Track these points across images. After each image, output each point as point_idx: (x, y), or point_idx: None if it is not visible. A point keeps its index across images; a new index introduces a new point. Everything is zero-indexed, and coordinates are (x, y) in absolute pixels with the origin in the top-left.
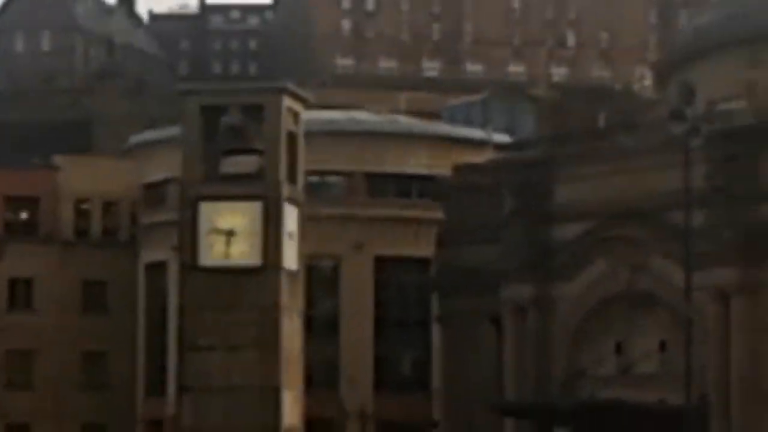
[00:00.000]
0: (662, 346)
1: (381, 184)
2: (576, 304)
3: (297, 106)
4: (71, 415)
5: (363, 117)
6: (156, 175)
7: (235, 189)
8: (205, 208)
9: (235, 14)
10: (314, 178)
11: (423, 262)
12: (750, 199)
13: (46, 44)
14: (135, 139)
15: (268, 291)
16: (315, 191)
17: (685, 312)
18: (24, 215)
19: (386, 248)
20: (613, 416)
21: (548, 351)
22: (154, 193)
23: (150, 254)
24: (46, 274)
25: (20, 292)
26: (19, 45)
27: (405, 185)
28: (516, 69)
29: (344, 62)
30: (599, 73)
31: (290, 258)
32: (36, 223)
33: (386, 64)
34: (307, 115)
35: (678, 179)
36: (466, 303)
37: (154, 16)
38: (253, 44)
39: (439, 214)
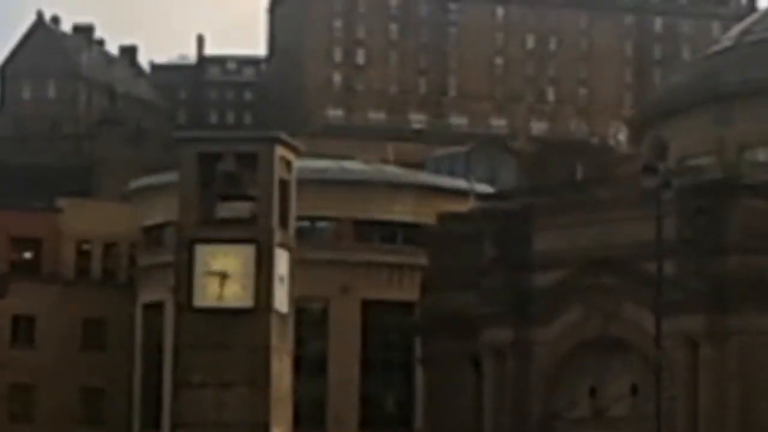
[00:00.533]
0: (634, 389)
1: (368, 231)
2: (552, 349)
3: (289, 155)
4: None
5: (352, 166)
6: (154, 219)
7: (229, 233)
8: (201, 251)
9: (232, 66)
10: (304, 224)
11: (407, 306)
12: (717, 250)
13: (51, 92)
14: (135, 183)
15: (259, 332)
16: (305, 236)
17: (655, 358)
18: (27, 255)
19: (372, 292)
20: None
21: (525, 393)
22: (152, 235)
23: (147, 295)
24: (48, 311)
25: (23, 328)
26: (26, 92)
27: (390, 232)
28: (498, 122)
29: (335, 113)
30: (577, 127)
31: (281, 300)
32: (39, 262)
33: (375, 116)
34: (298, 163)
35: (650, 230)
36: (447, 346)
37: (154, 67)
38: (248, 95)
39: (423, 260)
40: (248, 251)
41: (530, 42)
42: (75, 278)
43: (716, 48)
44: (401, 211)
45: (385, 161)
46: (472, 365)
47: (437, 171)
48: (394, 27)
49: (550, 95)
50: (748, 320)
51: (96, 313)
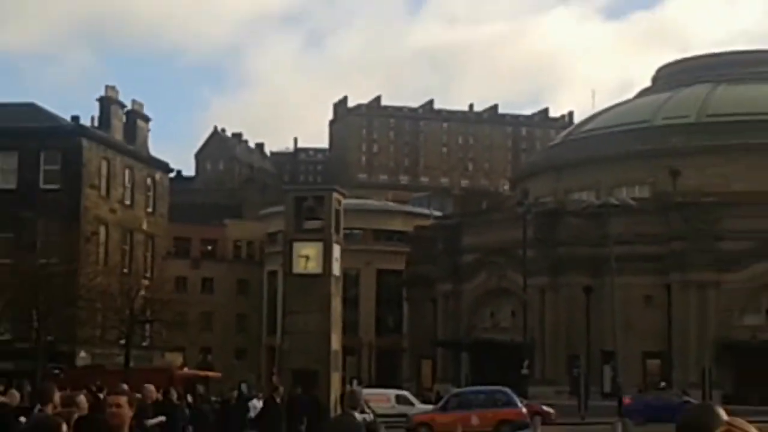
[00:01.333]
0: (513, 313)
1: (380, 234)
2: (472, 293)
3: (340, 197)
4: (229, 345)
5: (371, 202)
6: (273, 229)
7: (310, 236)
8: (296, 246)
9: (311, 153)
10: (348, 231)
11: (399, 272)
12: (553, 244)
13: (221, 166)
14: (262, 212)
15: (325, 286)
16: (348, 238)
17: (523, 297)
18: (209, 247)
19: (382, 265)
20: (489, 347)
21: (458, 316)
22: (272, 237)
23: (269, 266)
24: (221, 276)
25: (207, 284)
26: (209, 167)
27: (391, 235)
28: (444, 180)
29: (363, 176)
30: (483, 183)
31: (336, 269)
32: (215, 251)
33: (382, 178)
34: (344, 201)
35: (520, 234)
36: (419, 292)
37: (272, 153)
38: (319, 167)
39: (407, 249)
40: (319, 245)
41: (460, 140)
42: (233, 259)
43: (552, 143)
44: (396, 225)
45: (388, 200)
46: (431, 302)
47: (414, 205)
48: (392, 133)
49: (470, 167)
50: (570, 280)
51: (244, 276)
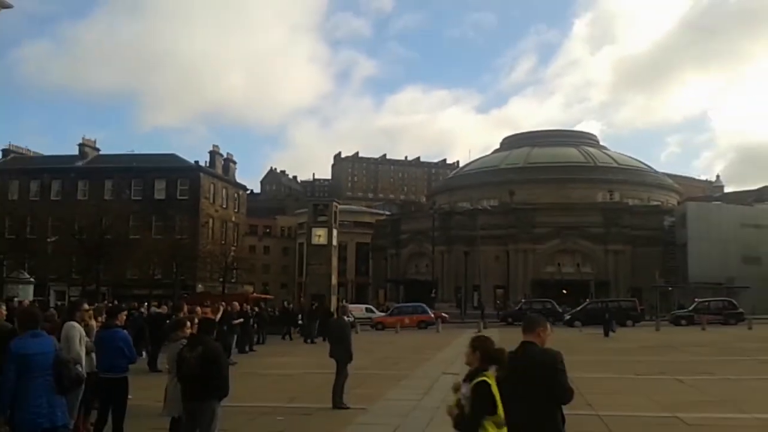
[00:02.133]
0: (427, 266)
1: (358, 224)
2: (406, 255)
3: (337, 204)
4: (278, 281)
5: (354, 207)
6: (302, 221)
7: (321, 224)
8: (313, 229)
9: (322, 180)
10: (341, 222)
11: (367, 244)
12: (450, 228)
13: (274, 188)
14: (296, 211)
15: (329, 250)
16: (341, 225)
17: (433, 256)
18: (268, 230)
19: (359, 240)
20: (414, 283)
21: (398, 266)
22: (301, 225)
23: (300, 240)
24: (274, 245)
25: (267, 250)
26: (267, 188)
27: (364, 224)
28: (392, 196)
29: (349, 193)
30: (413, 197)
31: (334, 242)
32: (271, 232)
33: (360, 194)
34: (339, 207)
35: (431, 224)
36: (379, 254)
37: (302, 181)
38: (326, 188)
39: (372, 232)
40: (326, 229)
41: (400, 175)
42: (280, 236)
43: (449, 177)
44: (366, 219)
45: (362, 206)
46: (384, 260)
47: (376, 209)
48: (364, 171)
49: (405, 189)
50: (457, 248)
51: (286, 245)
